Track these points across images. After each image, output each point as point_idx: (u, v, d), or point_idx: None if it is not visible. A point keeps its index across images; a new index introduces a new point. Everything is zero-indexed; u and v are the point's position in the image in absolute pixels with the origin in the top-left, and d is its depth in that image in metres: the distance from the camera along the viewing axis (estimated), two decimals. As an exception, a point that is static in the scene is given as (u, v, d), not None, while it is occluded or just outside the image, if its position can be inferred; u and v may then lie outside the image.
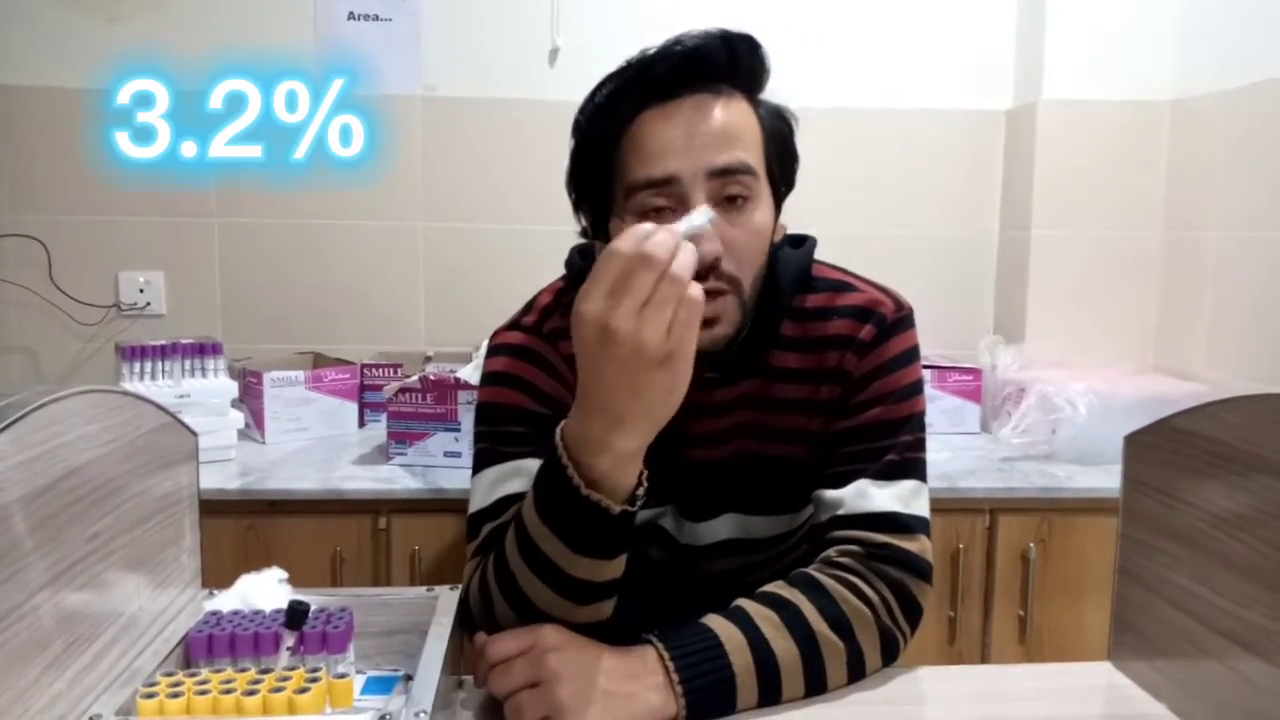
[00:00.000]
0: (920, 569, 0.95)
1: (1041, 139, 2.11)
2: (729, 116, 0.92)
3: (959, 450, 1.91)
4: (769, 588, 0.92)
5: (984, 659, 1.73)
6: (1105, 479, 1.69)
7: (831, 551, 0.96)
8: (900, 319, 1.05)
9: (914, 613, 0.95)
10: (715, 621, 0.87)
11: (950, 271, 2.28)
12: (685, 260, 0.73)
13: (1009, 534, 1.70)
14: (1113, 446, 0.94)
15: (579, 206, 1.00)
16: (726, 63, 0.92)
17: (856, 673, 0.90)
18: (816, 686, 0.88)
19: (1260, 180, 1.85)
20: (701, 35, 0.91)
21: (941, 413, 2.03)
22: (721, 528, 1.10)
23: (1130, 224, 2.12)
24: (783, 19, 2.17)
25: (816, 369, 1.03)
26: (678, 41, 0.91)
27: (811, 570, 0.94)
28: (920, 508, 0.99)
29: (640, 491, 0.82)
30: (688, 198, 0.90)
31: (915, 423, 1.02)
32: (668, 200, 0.91)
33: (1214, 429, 0.79)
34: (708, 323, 0.89)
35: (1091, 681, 0.91)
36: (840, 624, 0.89)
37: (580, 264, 1.08)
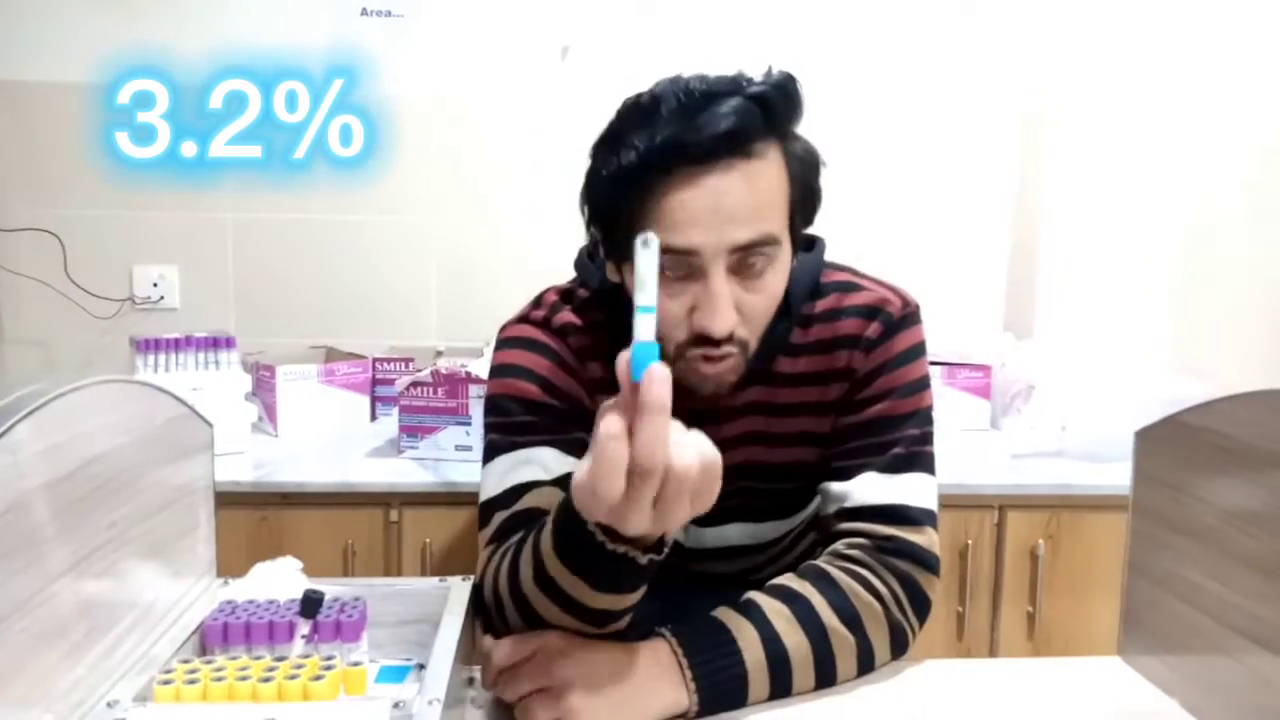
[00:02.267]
0: (927, 561, 0.95)
1: (1054, 138, 2.11)
2: (757, 185, 0.88)
3: (968, 447, 1.91)
4: (780, 580, 0.92)
5: (992, 655, 1.73)
6: (1114, 476, 1.68)
7: (840, 544, 0.96)
8: (906, 315, 1.04)
9: (922, 606, 0.95)
10: (728, 615, 0.87)
11: (960, 268, 2.28)
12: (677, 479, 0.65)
13: (1018, 530, 1.70)
14: (1122, 443, 0.94)
15: (590, 225, 0.98)
16: (761, 121, 0.88)
17: (866, 666, 0.90)
18: (826, 679, 0.88)
19: (1275, 175, 1.84)
20: (737, 108, 0.86)
21: (951, 409, 2.03)
22: (729, 534, 1.10)
23: (1142, 220, 2.11)
24: (789, 15, 2.17)
25: (826, 370, 1.03)
26: (710, 96, 0.86)
27: (821, 563, 0.94)
28: (927, 500, 0.99)
29: (668, 538, 0.76)
30: (706, 269, 0.88)
31: (922, 417, 1.02)
32: (688, 267, 0.88)
33: (1225, 425, 0.79)
34: (713, 370, 0.92)
35: (1101, 676, 0.91)
36: (850, 617, 0.89)
37: (590, 265, 1.07)
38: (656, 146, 0.86)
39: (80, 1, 2.11)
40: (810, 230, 1.04)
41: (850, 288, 1.05)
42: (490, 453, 1.02)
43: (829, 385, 1.03)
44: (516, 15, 2.18)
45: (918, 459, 1.00)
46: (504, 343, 1.07)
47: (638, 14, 2.14)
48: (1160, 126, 2.09)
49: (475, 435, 1.70)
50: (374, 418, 2.04)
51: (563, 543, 0.77)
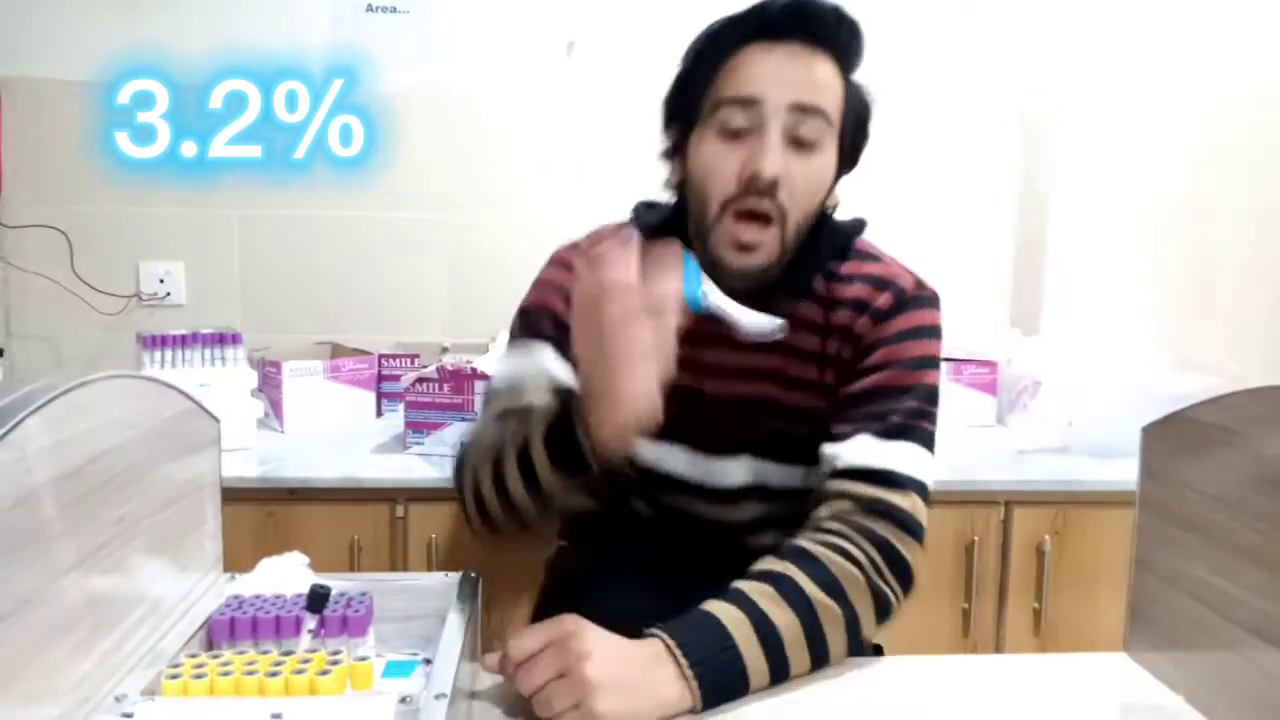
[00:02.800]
0: (908, 525, 0.97)
1: (1059, 133, 2.10)
2: (820, 69, 0.99)
3: (974, 442, 1.90)
4: (760, 565, 0.93)
5: (998, 651, 1.72)
6: (1120, 472, 1.68)
7: (821, 510, 0.98)
8: (919, 296, 1.09)
9: (903, 571, 0.96)
10: (716, 607, 0.88)
11: (967, 264, 2.28)
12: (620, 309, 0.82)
13: (1024, 526, 1.70)
14: (1128, 439, 0.94)
15: (667, 125, 1.07)
16: (832, 27, 1.00)
17: (854, 636, 0.91)
18: (820, 657, 0.89)
19: (1278, 171, 1.83)
20: (816, 3, 0.99)
21: (957, 405, 2.03)
22: (738, 470, 1.11)
23: (1148, 217, 2.11)
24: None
25: (825, 324, 1.08)
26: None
27: (800, 541, 0.95)
28: (918, 471, 1.00)
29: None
30: (766, 124, 0.97)
31: (923, 392, 1.04)
32: (748, 120, 0.97)
33: (1232, 420, 0.79)
34: (746, 249, 0.99)
35: (1107, 672, 0.91)
36: (832, 588, 0.90)
37: (645, 216, 1.13)
38: (740, 14, 0.99)
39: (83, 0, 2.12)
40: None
41: (872, 259, 1.12)
42: (508, 351, 1.13)
43: (828, 339, 1.08)
44: (521, 10, 2.18)
45: (914, 430, 1.02)
46: (547, 263, 1.18)
47: (643, 9, 2.14)
48: (1162, 123, 2.09)
49: (481, 431, 1.70)
50: (380, 414, 2.04)
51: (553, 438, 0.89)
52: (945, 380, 2.00)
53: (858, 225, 1.14)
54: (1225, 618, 0.79)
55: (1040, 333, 2.12)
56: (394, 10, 2.16)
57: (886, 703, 0.86)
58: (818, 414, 1.08)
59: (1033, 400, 1.94)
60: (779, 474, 1.11)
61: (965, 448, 1.85)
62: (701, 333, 1.00)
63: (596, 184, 2.09)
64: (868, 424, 1.02)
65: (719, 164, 0.99)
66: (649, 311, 0.83)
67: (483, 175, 2.22)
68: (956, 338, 2.14)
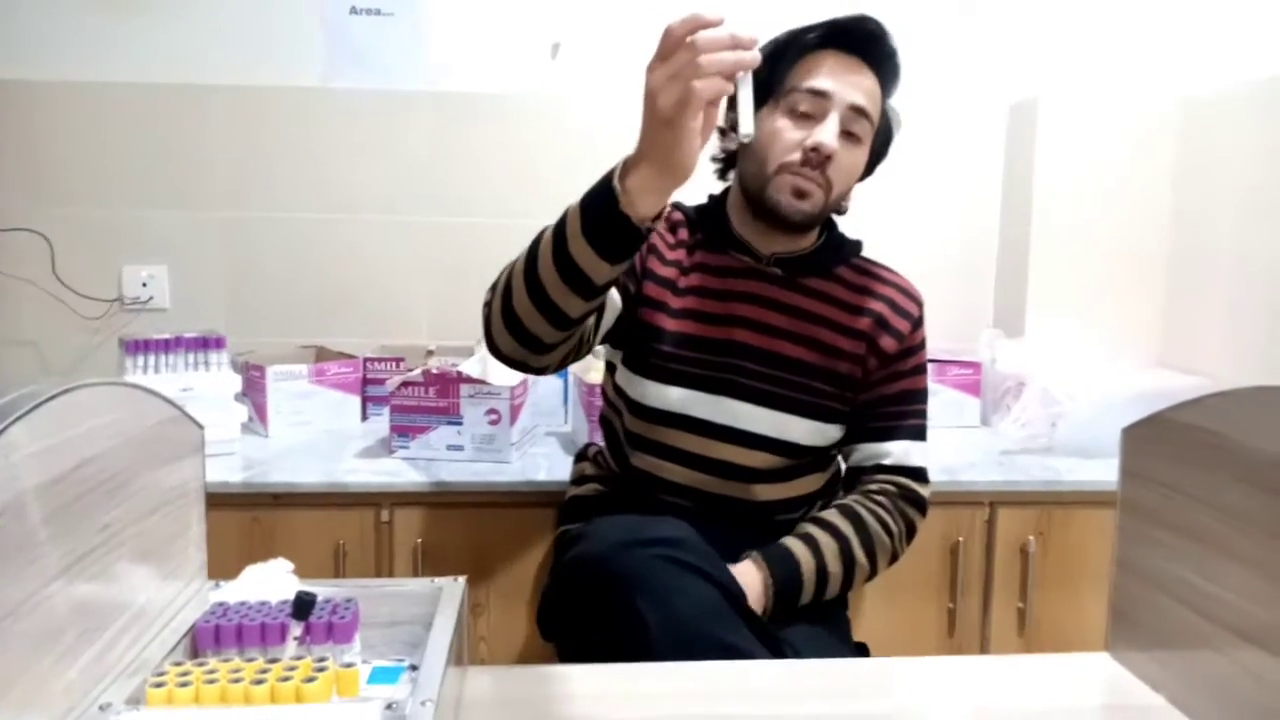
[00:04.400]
0: (924, 509, 1.37)
1: (1043, 133, 2.12)
2: (872, 85, 1.27)
3: (959, 444, 1.91)
4: (831, 517, 1.29)
5: (983, 651, 1.73)
6: (1105, 472, 1.69)
7: (873, 487, 1.34)
8: (923, 310, 1.41)
9: (913, 540, 1.36)
10: (795, 546, 1.25)
11: (950, 264, 2.29)
12: (708, 35, 0.84)
13: (1008, 527, 1.71)
14: (1113, 440, 0.95)
15: (732, 105, 1.22)
16: (887, 55, 1.27)
17: (863, 582, 1.32)
18: (842, 592, 1.29)
19: (1265, 174, 1.85)
20: (879, 26, 1.26)
21: (942, 406, 2.04)
22: (764, 419, 1.31)
23: (1133, 217, 2.13)
24: (782, 10, 2.16)
25: (857, 305, 1.34)
26: (865, 19, 1.25)
27: (858, 505, 1.31)
28: (929, 462, 1.39)
29: (645, 225, 0.95)
30: (827, 113, 1.23)
31: (927, 394, 1.42)
32: (813, 108, 1.23)
33: (1212, 421, 0.80)
34: (801, 194, 1.24)
35: (1090, 673, 0.92)
36: (871, 552, 1.29)
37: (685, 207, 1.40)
38: (823, 24, 1.26)
39: (70, 1, 2.10)
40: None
41: (889, 270, 1.41)
42: None
43: (856, 317, 1.34)
44: (506, 13, 2.18)
45: (925, 430, 1.39)
46: None
47: (628, 11, 2.14)
48: (1145, 124, 2.10)
49: (466, 435, 1.70)
50: (365, 417, 2.04)
51: (590, 219, 0.97)
52: (931, 381, 2.02)
53: (859, 242, 1.41)
54: (1207, 618, 0.79)
55: (1024, 334, 2.13)
56: (378, 13, 2.16)
57: (872, 701, 0.87)
58: (839, 377, 1.32)
59: (1017, 401, 1.95)
60: (795, 427, 1.32)
61: (950, 449, 1.86)
62: (736, 290, 1.32)
63: (581, 186, 2.08)
64: (901, 423, 1.36)
65: (785, 134, 1.24)
66: (733, 45, 0.86)
67: (468, 178, 2.21)
68: (941, 339, 2.15)
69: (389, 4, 2.16)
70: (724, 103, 0.91)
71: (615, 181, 0.94)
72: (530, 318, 1.07)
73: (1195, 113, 2.04)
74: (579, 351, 1.20)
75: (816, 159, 1.22)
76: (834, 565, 1.25)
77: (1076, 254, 2.13)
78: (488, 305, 1.14)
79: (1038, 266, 2.14)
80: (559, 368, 1.20)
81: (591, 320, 1.16)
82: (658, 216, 0.96)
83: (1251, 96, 1.88)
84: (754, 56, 0.86)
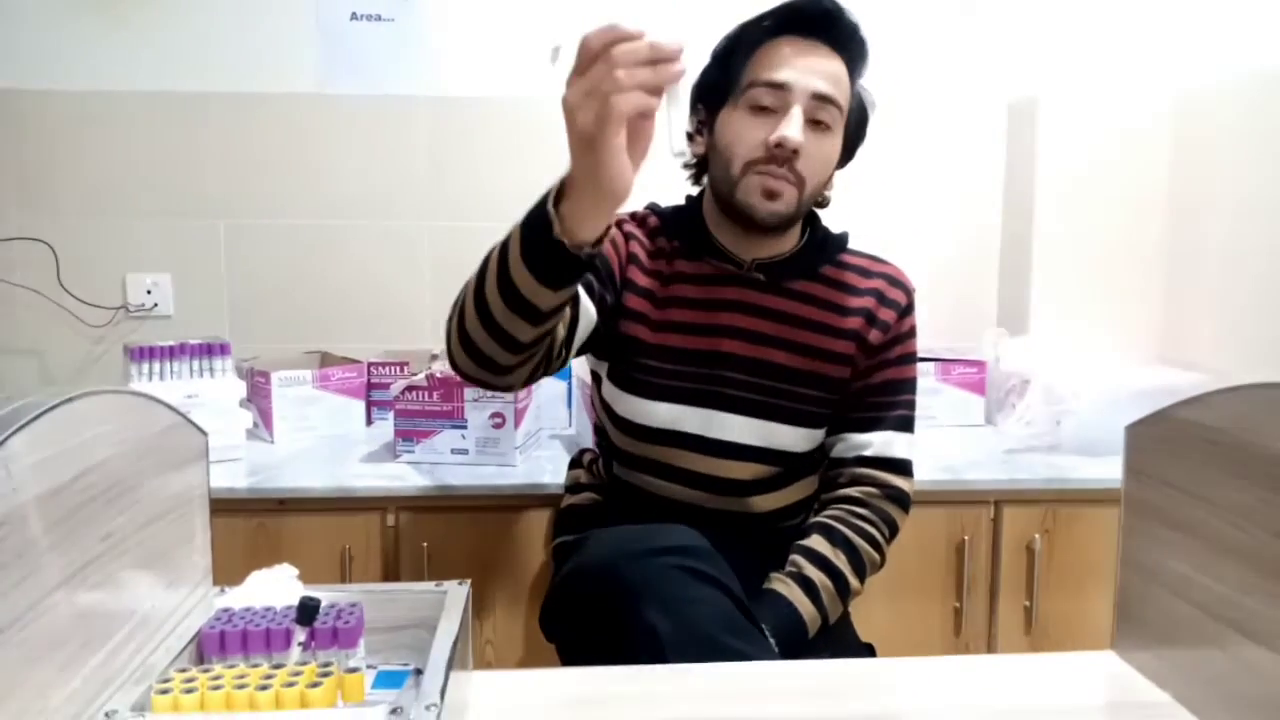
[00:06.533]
0: (907, 505, 1.30)
1: (1043, 131, 2.11)
2: (836, 68, 1.18)
3: (964, 442, 1.91)
4: (823, 550, 1.21)
5: (990, 650, 1.73)
6: (1110, 470, 1.69)
7: (854, 491, 1.27)
8: (913, 297, 1.33)
9: (895, 538, 1.29)
10: (793, 594, 1.17)
11: (953, 264, 2.29)
12: (625, 49, 0.79)
13: (1014, 525, 1.71)
14: (1117, 437, 0.94)
15: (695, 104, 1.25)
16: (849, 35, 1.19)
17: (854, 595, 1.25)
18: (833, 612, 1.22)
19: (1264, 170, 1.85)
20: (835, 4, 1.18)
21: (946, 405, 2.04)
22: (748, 429, 1.27)
23: (1134, 215, 2.12)
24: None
25: (839, 304, 1.28)
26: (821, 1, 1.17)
27: (846, 527, 1.24)
28: (913, 455, 1.32)
29: (584, 252, 0.91)
30: (789, 106, 1.15)
31: (915, 385, 1.34)
32: (774, 101, 1.16)
33: (1215, 418, 0.79)
34: (771, 194, 1.18)
35: (1095, 670, 0.91)
36: (862, 574, 1.24)
37: (660, 209, 1.35)
38: (776, 10, 1.18)
39: (70, 9, 2.11)
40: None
41: (877, 260, 1.35)
42: None
43: (845, 315, 1.28)
44: (506, 17, 2.18)
45: (911, 421, 1.32)
46: None
47: (628, 15, 2.14)
48: (1146, 121, 2.10)
49: (471, 439, 1.70)
50: (369, 422, 2.04)
51: (528, 245, 0.91)
52: (934, 380, 2.02)
53: (845, 236, 1.35)
54: (1212, 616, 0.79)
55: (1028, 332, 2.13)
56: (378, 18, 2.16)
57: (878, 701, 0.87)
58: (829, 381, 1.27)
59: (1021, 400, 1.95)
60: (786, 435, 1.28)
61: (955, 447, 1.86)
62: (719, 298, 1.26)
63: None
64: (886, 414, 1.29)
65: (748, 132, 1.17)
66: (653, 58, 0.80)
67: (470, 181, 2.22)
68: (945, 338, 2.15)
69: (389, 9, 2.16)
70: (670, 115, 0.84)
71: (550, 206, 0.88)
72: (483, 341, 1.02)
73: (1194, 109, 2.04)
74: (547, 367, 1.12)
75: (782, 155, 1.15)
76: (832, 606, 1.20)
77: (1078, 251, 2.13)
78: (449, 322, 1.07)
79: (1040, 264, 2.14)
80: (526, 384, 1.13)
81: (561, 333, 1.09)
82: (599, 241, 0.91)
83: (1252, 91, 1.87)
84: (677, 70, 0.80)
